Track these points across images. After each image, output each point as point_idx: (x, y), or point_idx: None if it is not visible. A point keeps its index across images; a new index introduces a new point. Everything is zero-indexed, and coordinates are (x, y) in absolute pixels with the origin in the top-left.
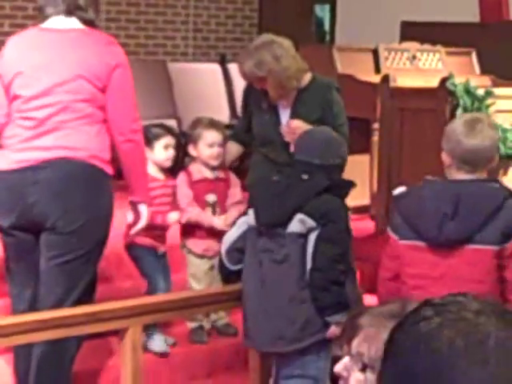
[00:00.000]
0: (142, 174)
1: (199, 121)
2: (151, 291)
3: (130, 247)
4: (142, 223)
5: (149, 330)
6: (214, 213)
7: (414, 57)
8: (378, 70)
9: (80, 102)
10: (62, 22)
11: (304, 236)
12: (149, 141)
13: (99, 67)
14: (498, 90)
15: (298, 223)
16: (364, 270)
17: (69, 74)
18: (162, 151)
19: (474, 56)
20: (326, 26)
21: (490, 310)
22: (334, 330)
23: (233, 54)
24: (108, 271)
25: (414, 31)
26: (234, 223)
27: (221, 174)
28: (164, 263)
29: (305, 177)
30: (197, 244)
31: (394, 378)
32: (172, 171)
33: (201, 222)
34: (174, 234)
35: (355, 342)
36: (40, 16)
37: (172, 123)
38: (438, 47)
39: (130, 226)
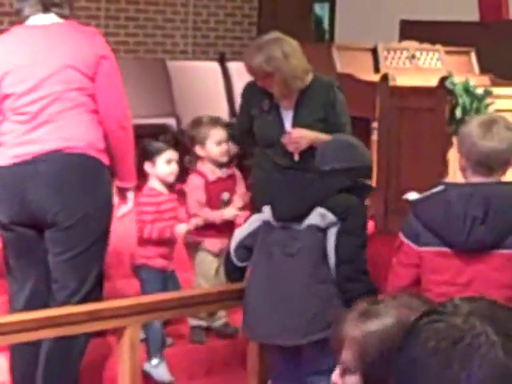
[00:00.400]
0: (131, 161)
1: (201, 120)
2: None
3: (139, 269)
4: (129, 207)
5: (154, 356)
6: None
7: (414, 56)
8: (377, 68)
9: (72, 91)
10: (42, 19)
11: (322, 230)
12: (150, 155)
13: (87, 56)
14: (497, 90)
15: (318, 216)
16: None
17: (57, 65)
18: (164, 166)
19: (473, 55)
20: (326, 25)
21: (482, 314)
22: None
23: (232, 52)
24: (108, 270)
25: (413, 30)
26: (242, 208)
27: (229, 171)
28: (173, 282)
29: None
30: (214, 243)
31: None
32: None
33: (212, 221)
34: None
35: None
36: (19, 18)
37: (171, 121)
38: (438, 46)
39: (139, 244)
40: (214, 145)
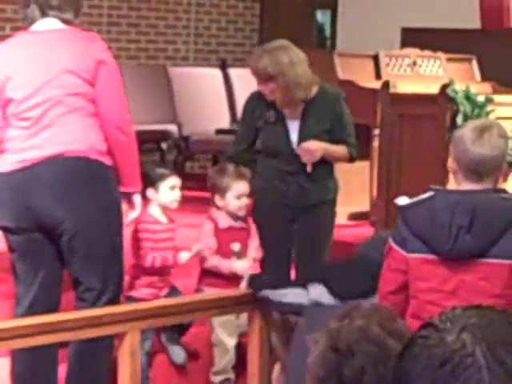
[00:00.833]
0: (134, 165)
1: (225, 170)
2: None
3: (126, 299)
4: (137, 213)
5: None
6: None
7: (415, 63)
8: (378, 76)
9: (71, 96)
10: (43, 25)
11: None
12: (153, 181)
13: (85, 60)
14: (498, 97)
15: None
16: None
17: (56, 70)
18: (167, 192)
19: (474, 63)
20: (327, 32)
21: (474, 332)
22: None
23: (234, 59)
24: None
25: (414, 37)
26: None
27: (243, 223)
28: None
29: None
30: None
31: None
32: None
33: (220, 270)
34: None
35: None
36: (25, 24)
37: (172, 128)
38: (439, 54)
39: (129, 269)
40: (234, 198)
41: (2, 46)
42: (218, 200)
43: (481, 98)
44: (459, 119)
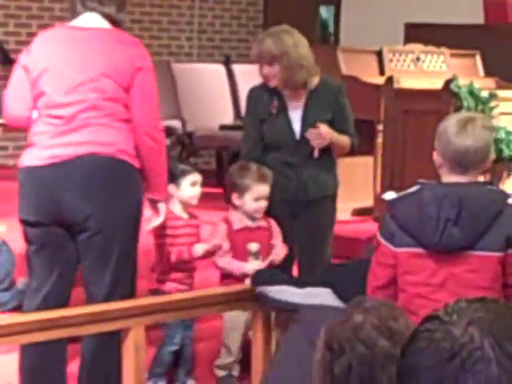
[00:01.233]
0: (162, 173)
1: (248, 170)
2: (164, 345)
3: (153, 294)
4: (160, 219)
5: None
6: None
7: (418, 58)
8: (382, 71)
9: (105, 101)
10: (84, 21)
11: None
12: (175, 177)
13: (124, 67)
14: (502, 93)
15: None
16: None
17: (94, 72)
18: (188, 188)
19: (478, 58)
20: (331, 28)
21: (482, 325)
22: None
23: (237, 54)
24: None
25: (418, 33)
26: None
27: (262, 223)
28: None
29: None
30: None
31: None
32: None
33: (231, 271)
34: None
35: None
36: (70, 15)
37: (176, 124)
38: (442, 49)
39: (153, 269)
40: (252, 200)
41: (41, 36)
42: (235, 198)
43: (484, 94)
44: None
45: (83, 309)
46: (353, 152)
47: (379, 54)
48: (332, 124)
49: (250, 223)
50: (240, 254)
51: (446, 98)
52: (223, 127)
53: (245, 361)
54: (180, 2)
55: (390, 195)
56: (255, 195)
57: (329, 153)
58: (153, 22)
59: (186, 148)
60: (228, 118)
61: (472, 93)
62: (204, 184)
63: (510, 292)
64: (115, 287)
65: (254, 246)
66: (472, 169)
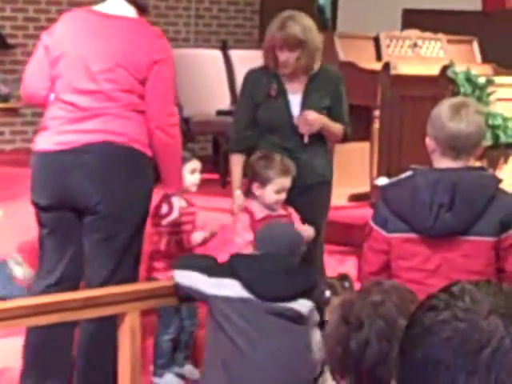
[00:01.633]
0: (177, 168)
1: (272, 162)
2: (160, 335)
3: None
4: (175, 215)
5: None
6: None
7: (416, 45)
8: (379, 57)
9: (119, 92)
10: (114, 7)
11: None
12: None
13: (140, 59)
14: (498, 79)
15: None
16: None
17: (110, 62)
18: (188, 176)
19: (475, 44)
20: (328, 14)
21: (502, 312)
22: None
23: (234, 40)
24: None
25: (415, 19)
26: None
27: (281, 211)
28: None
29: None
30: None
31: (398, 362)
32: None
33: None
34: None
35: None
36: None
37: None
38: (440, 35)
39: (150, 257)
40: (274, 192)
41: (65, 17)
42: (255, 188)
43: (481, 80)
44: None
45: (79, 293)
46: (345, 140)
47: (376, 40)
48: (329, 111)
49: (271, 212)
50: None
51: (443, 84)
52: (220, 113)
53: None
54: None
55: (382, 181)
56: (277, 187)
57: (323, 139)
58: (150, 7)
59: (182, 133)
60: (225, 104)
61: (469, 79)
62: (201, 170)
63: (503, 277)
64: (115, 272)
65: None
66: (465, 153)
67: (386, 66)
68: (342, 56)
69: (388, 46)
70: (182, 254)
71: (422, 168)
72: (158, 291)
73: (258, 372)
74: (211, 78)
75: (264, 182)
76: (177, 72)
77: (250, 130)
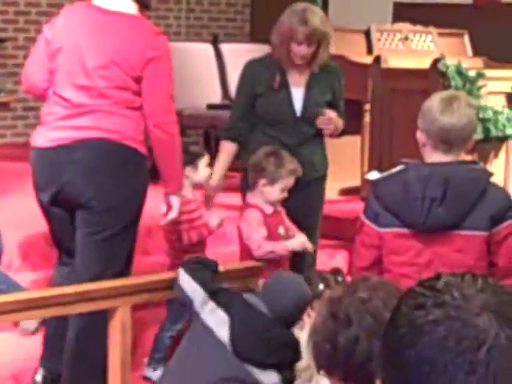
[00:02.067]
0: (175, 166)
1: (283, 160)
2: (165, 330)
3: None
4: (173, 214)
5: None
6: None
7: (406, 38)
8: (370, 50)
9: (113, 89)
10: (114, 3)
11: None
12: (192, 160)
13: (134, 57)
14: (489, 72)
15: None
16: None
17: (105, 59)
18: (204, 169)
19: (466, 37)
20: (319, 6)
21: (493, 308)
22: None
23: (225, 34)
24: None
25: (406, 12)
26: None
27: (279, 206)
28: None
29: None
30: None
31: (386, 361)
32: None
33: (277, 253)
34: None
35: None
36: None
37: None
38: (431, 28)
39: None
40: (279, 190)
41: (65, 11)
42: (262, 185)
43: (472, 73)
44: None
45: (70, 288)
46: (340, 134)
47: (367, 34)
48: (329, 106)
49: (275, 207)
50: (274, 238)
51: (434, 77)
52: (211, 106)
53: None
54: None
55: (373, 175)
56: (284, 186)
57: (320, 134)
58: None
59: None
60: (216, 98)
61: (460, 72)
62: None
63: (495, 271)
64: (106, 268)
65: (281, 230)
66: (456, 147)
67: (377, 59)
68: (333, 49)
69: (379, 40)
70: (196, 247)
71: (413, 162)
72: (149, 285)
73: None
74: (202, 71)
75: (274, 180)
76: None
77: (242, 122)
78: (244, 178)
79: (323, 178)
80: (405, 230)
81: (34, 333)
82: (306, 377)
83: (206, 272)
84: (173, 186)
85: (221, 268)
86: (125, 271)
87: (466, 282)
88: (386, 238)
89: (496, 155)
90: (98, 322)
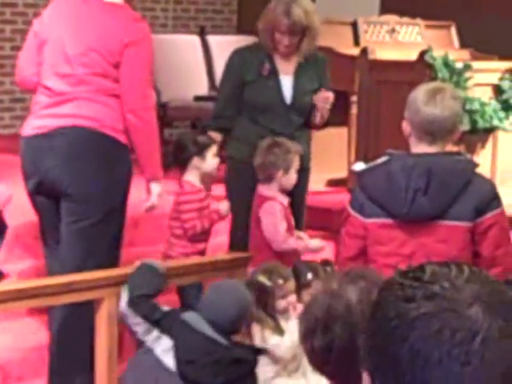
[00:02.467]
0: (152, 152)
1: (286, 145)
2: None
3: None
4: (152, 200)
5: None
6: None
7: (393, 30)
8: (357, 42)
9: (94, 76)
10: None
11: None
12: (200, 150)
13: (113, 43)
14: (476, 64)
15: None
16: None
17: (84, 46)
18: (212, 159)
19: (453, 29)
20: None
21: (484, 299)
22: None
23: (212, 26)
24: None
25: (393, 4)
26: None
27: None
28: None
29: None
30: None
31: (374, 354)
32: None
33: (297, 250)
34: None
35: None
36: None
37: None
38: (418, 20)
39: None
40: (295, 174)
41: (52, 3)
42: (280, 176)
43: (459, 65)
44: None
45: (55, 279)
46: (325, 125)
47: (354, 26)
48: (316, 94)
49: (286, 198)
50: (291, 229)
51: (421, 69)
52: (198, 98)
53: None
54: None
55: (359, 166)
56: (296, 167)
57: (308, 126)
58: None
59: (160, 119)
60: (202, 89)
61: (447, 64)
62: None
63: (479, 261)
64: (87, 257)
65: (293, 221)
66: (440, 138)
67: (364, 51)
68: (320, 41)
69: (366, 32)
70: (202, 236)
71: (398, 153)
72: None
73: None
74: (189, 63)
75: (287, 168)
76: (155, 57)
77: (229, 111)
78: (228, 169)
79: (308, 169)
80: (389, 221)
81: None
82: (293, 367)
83: (148, 301)
84: (149, 172)
85: (163, 271)
86: (110, 261)
87: (453, 271)
88: (371, 228)
89: (483, 146)
90: (81, 313)
